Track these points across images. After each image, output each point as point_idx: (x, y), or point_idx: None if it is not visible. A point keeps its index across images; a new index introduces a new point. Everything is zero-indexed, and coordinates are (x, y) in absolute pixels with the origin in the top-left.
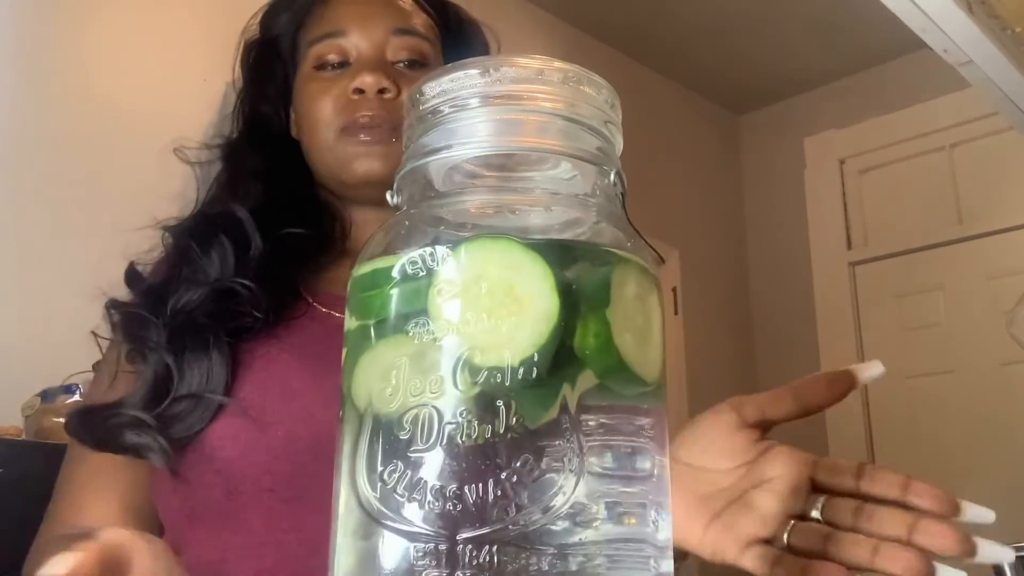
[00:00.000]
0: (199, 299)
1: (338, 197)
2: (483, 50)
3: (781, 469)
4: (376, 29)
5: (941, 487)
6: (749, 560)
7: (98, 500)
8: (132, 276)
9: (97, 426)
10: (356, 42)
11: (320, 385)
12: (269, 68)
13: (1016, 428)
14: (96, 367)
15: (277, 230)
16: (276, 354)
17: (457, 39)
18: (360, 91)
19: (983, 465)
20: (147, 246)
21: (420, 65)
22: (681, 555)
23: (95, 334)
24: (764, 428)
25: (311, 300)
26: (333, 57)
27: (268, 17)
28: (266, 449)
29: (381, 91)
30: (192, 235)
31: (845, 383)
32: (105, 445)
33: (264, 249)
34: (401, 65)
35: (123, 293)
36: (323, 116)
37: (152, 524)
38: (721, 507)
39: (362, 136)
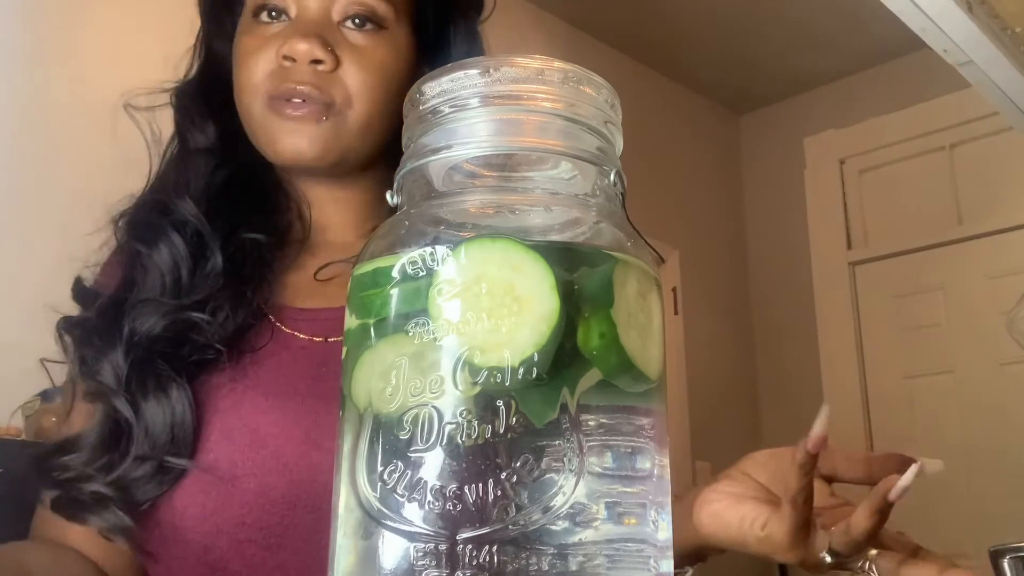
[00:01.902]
0: (157, 331)
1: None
2: (475, 6)
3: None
4: None
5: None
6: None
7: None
8: (82, 294)
9: (59, 497)
10: None
11: (291, 429)
12: (227, 1)
13: (1016, 428)
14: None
15: (234, 230)
16: (242, 393)
17: None
18: (291, 59)
19: (983, 465)
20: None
21: (374, 25)
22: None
23: (44, 363)
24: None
25: (274, 320)
26: (272, 4)
27: None
28: (239, 503)
29: (315, 62)
30: (139, 236)
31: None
32: (72, 520)
33: (223, 260)
34: (350, 24)
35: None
36: (251, 81)
37: None
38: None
39: (288, 111)
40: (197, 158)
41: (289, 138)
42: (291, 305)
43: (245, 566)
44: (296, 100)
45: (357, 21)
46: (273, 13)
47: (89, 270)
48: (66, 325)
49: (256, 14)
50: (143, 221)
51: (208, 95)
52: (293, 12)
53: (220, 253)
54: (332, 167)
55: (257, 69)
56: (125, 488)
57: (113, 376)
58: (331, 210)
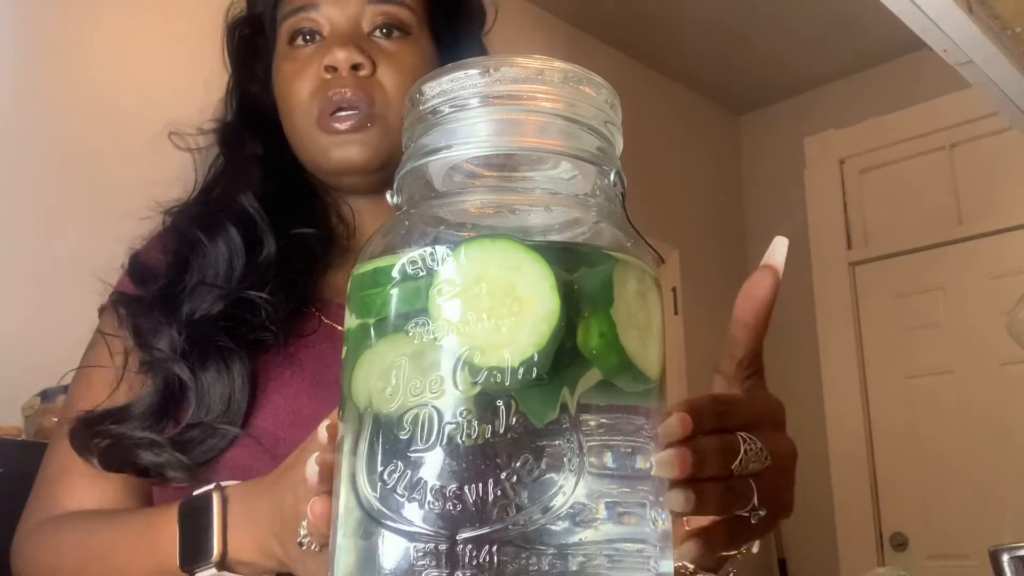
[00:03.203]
0: (217, 311)
1: (329, 185)
2: (479, 14)
3: None
4: None
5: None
6: None
7: (96, 482)
8: (140, 270)
9: (107, 448)
10: (328, 13)
11: (329, 413)
12: (255, 45)
13: (1016, 428)
14: (86, 359)
15: (285, 226)
16: (289, 377)
17: (451, 4)
18: (333, 68)
19: (983, 465)
20: (146, 235)
21: (400, 33)
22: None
23: (102, 332)
24: (750, 371)
25: (319, 314)
26: (305, 28)
27: None
28: None
29: (355, 67)
30: (200, 226)
31: (768, 280)
32: (117, 467)
33: (276, 252)
34: (379, 34)
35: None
36: (298, 101)
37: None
38: None
39: (336, 125)
40: (248, 167)
41: (340, 149)
42: (336, 300)
43: None
44: (342, 112)
45: (385, 31)
46: (307, 36)
47: (139, 242)
48: (122, 299)
49: (292, 41)
50: (202, 212)
51: (249, 128)
52: (326, 31)
53: (275, 243)
54: (380, 171)
55: (303, 87)
56: (179, 445)
57: (170, 347)
58: (369, 219)
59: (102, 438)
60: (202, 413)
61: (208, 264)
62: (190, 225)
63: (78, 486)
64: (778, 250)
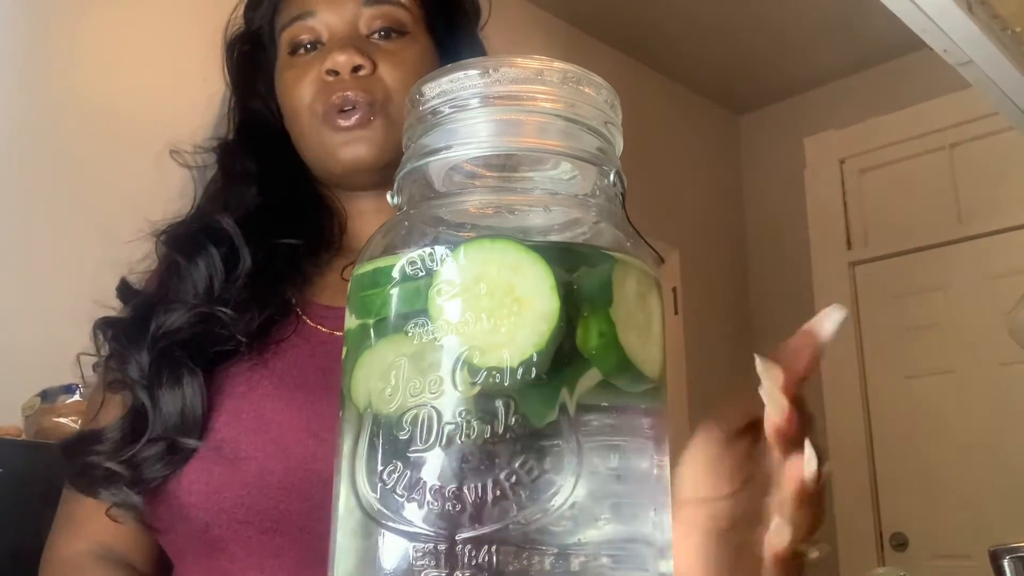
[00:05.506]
0: (179, 324)
1: (332, 188)
2: (474, 10)
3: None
4: (345, 3)
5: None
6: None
7: (98, 516)
8: (125, 292)
9: (77, 473)
10: (326, 20)
11: (295, 416)
12: (255, 61)
13: (1016, 428)
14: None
15: (269, 238)
16: (257, 381)
17: (446, 2)
18: (334, 72)
19: (983, 465)
20: (145, 247)
21: (397, 34)
22: None
23: (79, 358)
24: (758, 429)
25: (300, 313)
26: (305, 38)
27: (248, 8)
28: (240, 484)
29: (356, 69)
30: (179, 248)
31: (809, 350)
32: (86, 493)
33: (253, 264)
34: (377, 36)
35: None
36: (302, 105)
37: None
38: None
39: (341, 122)
40: (239, 184)
41: (348, 148)
42: (319, 302)
43: (243, 548)
44: (346, 109)
45: (383, 32)
46: (308, 46)
47: (136, 276)
48: (101, 324)
49: (292, 52)
50: (184, 234)
51: (248, 144)
52: (325, 37)
53: (250, 257)
54: (388, 167)
55: (305, 92)
56: (137, 467)
57: (137, 370)
58: (373, 220)
59: (77, 459)
60: (159, 428)
61: (185, 285)
62: (172, 247)
63: (71, 497)
64: (831, 319)
